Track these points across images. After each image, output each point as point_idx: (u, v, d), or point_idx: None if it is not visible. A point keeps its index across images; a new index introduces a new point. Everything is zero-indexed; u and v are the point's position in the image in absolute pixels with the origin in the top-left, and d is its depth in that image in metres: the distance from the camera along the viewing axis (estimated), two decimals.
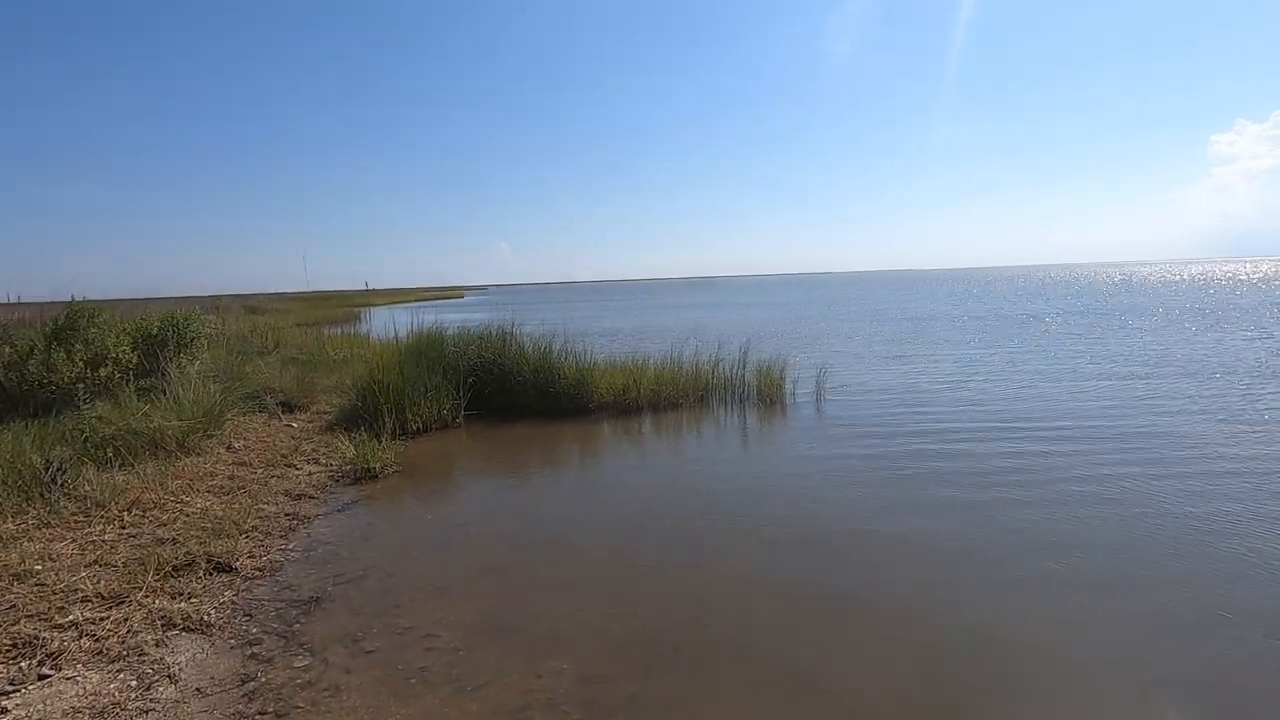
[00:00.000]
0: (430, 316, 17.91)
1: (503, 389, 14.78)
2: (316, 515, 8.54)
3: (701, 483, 9.47)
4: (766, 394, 15.97)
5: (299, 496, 9.17)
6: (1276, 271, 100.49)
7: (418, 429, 13.10)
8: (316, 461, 10.84)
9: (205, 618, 5.82)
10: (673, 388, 15.53)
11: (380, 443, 10.96)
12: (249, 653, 5.38)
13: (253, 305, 48.68)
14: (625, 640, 5.45)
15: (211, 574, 6.66)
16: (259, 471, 10.01)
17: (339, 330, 32.35)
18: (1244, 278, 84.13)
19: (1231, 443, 10.69)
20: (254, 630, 5.72)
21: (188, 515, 7.97)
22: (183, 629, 5.65)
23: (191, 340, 15.71)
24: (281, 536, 7.78)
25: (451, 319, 19.43)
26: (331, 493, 9.48)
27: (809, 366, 18.93)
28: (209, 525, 7.65)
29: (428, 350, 14.43)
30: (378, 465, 10.27)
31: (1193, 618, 5.57)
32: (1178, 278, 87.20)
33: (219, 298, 55.67)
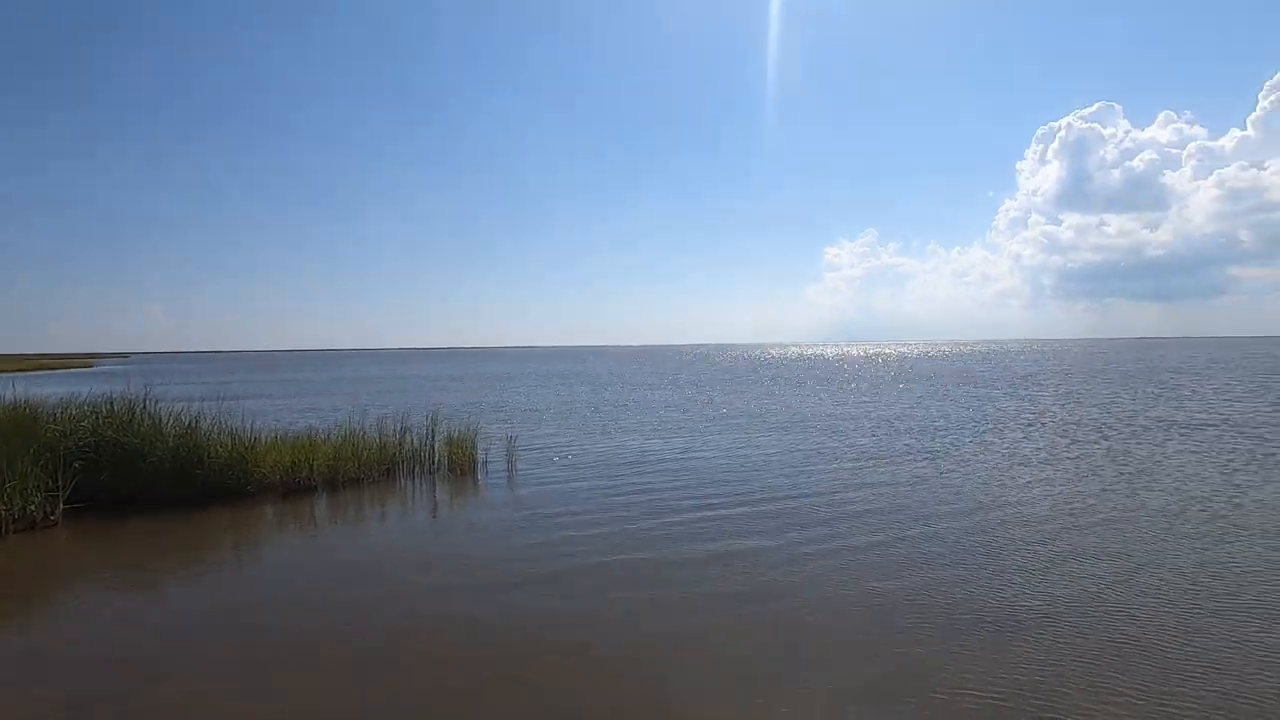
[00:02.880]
0: (43, 388, 14.18)
1: (130, 474, 12.20)
2: None
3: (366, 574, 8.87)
4: (457, 465, 15.80)
5: None
6: (867, 351, 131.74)
7: None
8: None
9: None
10: (353, 462, 14.45)
11: None
12: None
13: None
14: None
15: None
16: None
17: None
18: (851, 354, 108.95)
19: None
20: None
21: None
22: None
23: None
24: None
25: (63, 391, 15.59)
26: None
27: (498, 438, 19.20)
28: None
29: (7, 428, 11.32)
30: None
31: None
32: (816, 355, 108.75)
33: None
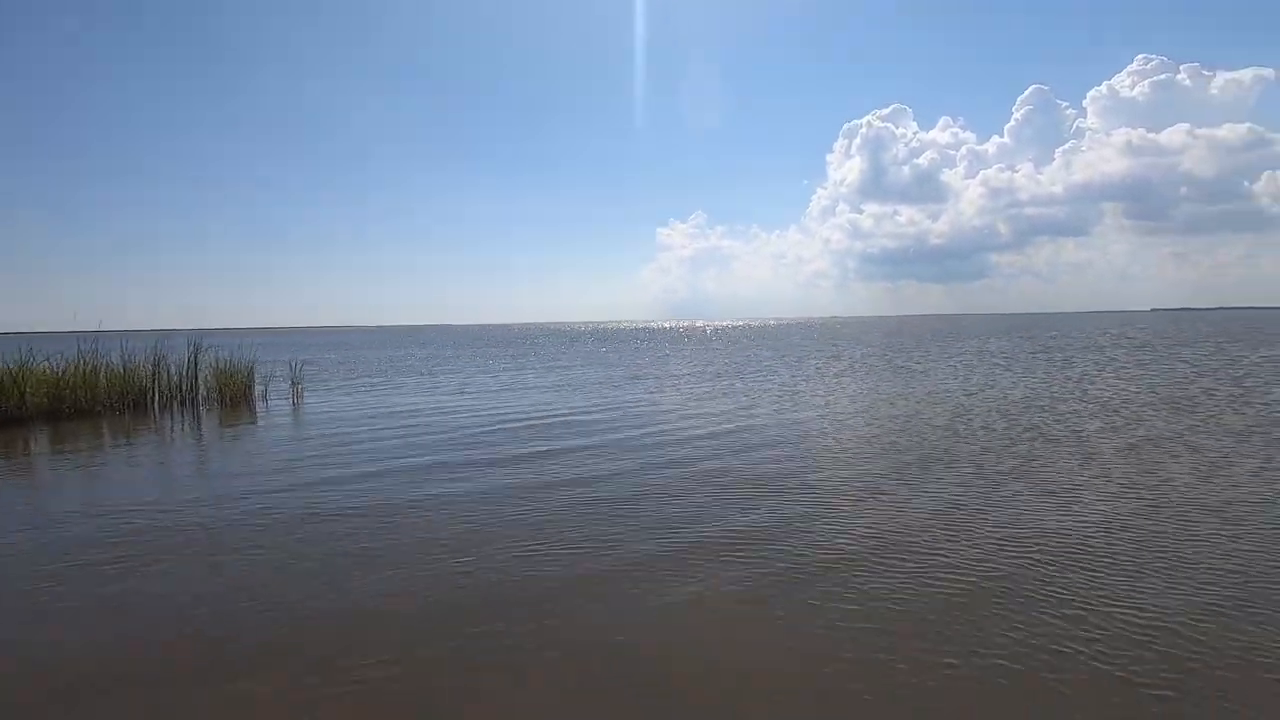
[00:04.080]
0: None
1: None
2: None
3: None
4: (230, 395, 14.09)
5: None
6: (693, 326, 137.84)
7: None
8: None
9: None
10: (85, 391, 12.30)
11: None
12: None
13: None
14: None
15: None
16: None
17: None
18: (679, 329, 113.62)
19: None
20: None
21: None
22: None
23: None
24: None
25: None
26: None
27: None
28: None
29: None
30: None
31: None
32: (653, 329, 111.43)
33: None
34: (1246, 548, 4.62)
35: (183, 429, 11.03)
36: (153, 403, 13.52)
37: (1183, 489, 6.12)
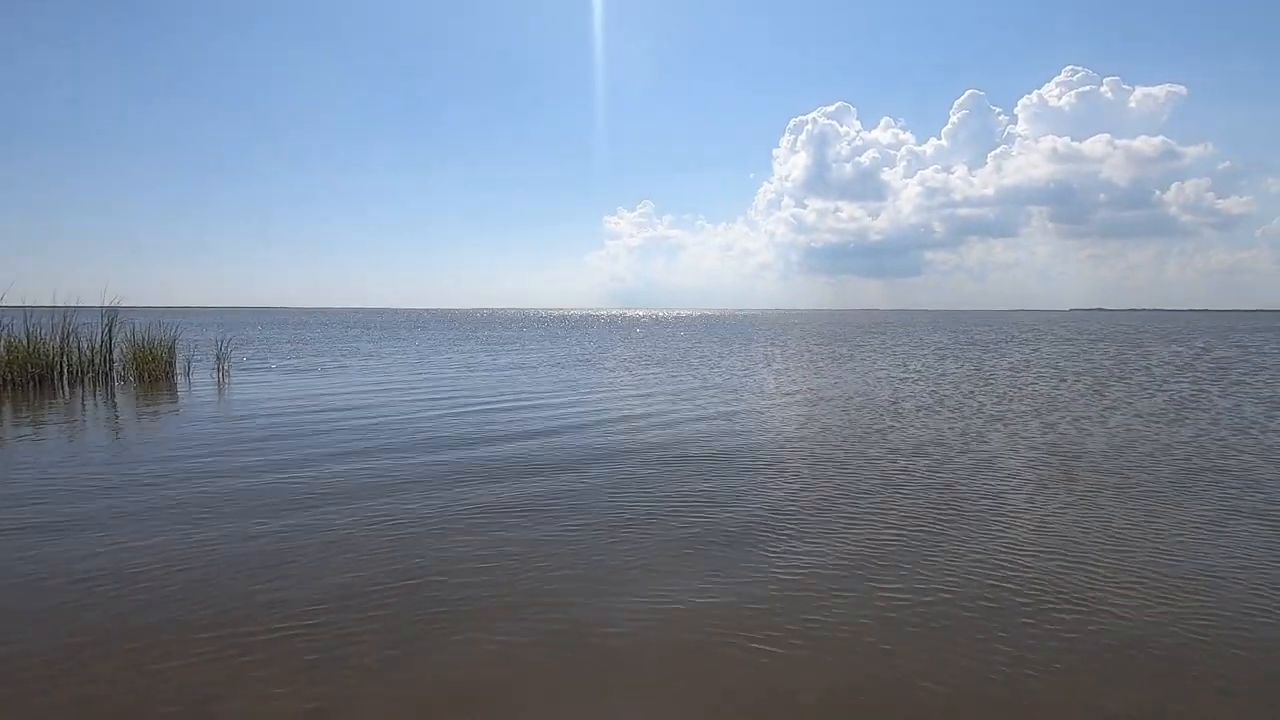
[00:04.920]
0: None
1: None
2: None
3: None
4: (149, 372, 13.21)
5: None
6: (644, 315, 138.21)
7: None
8: None
9: None
10: None
11: None
12: None
13: None
14: None
15: None
16: None
17: None
18: (625, 318, 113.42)
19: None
20: None
21: None
22: None
23: None
24: None
25: None
26: None
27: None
28: None
29: None
30: None
31: None
32: (598, 317, 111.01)
33: None
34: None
35: (94, 406, 10.28)
36: (60, 379, 12.56)
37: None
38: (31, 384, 11.99)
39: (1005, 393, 11.81)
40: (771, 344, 27.26)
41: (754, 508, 5.14)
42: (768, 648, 3.06)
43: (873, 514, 4.97)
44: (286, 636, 3.10)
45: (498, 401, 10.63)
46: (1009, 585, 3.72)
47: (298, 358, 18.93)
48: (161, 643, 3.05)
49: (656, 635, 3.19)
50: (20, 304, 12.43)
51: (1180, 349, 24.09)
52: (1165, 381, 13.55)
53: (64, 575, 3.79)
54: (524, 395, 11.41)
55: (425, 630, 3.19)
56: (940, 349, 23.86)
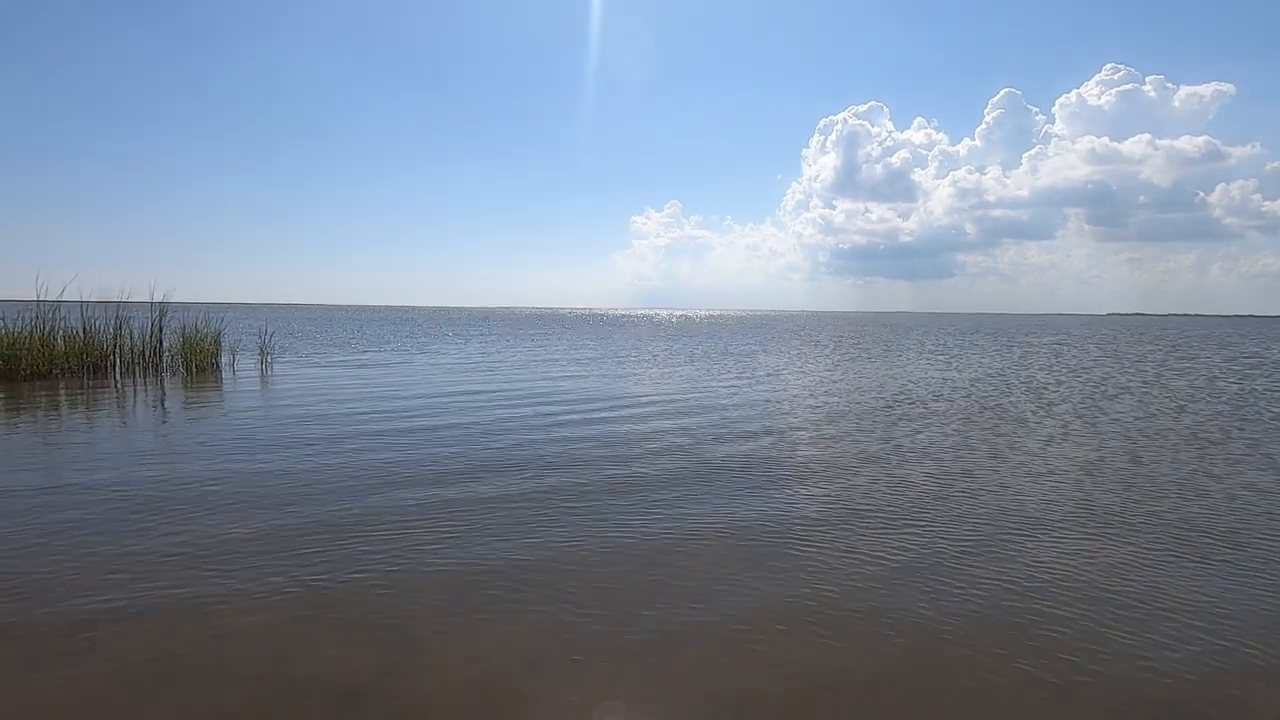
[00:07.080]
0: None
1: None
2: None
3: None
4: (196, 363, 13.53)
5: None
6: (669, 315, 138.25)
7: None
8: None
9: None
10: (42, 354, 11.69)
11: None
12: None
13: None
14: None
15: None
16: None
17: None
18: (656, 317, 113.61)
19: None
20: None
21: None
22: None
23: None
24: None
25: None
26: None
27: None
28: None
29: None
30: None
31: None
32: (625, 317, 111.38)
33: None
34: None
35: (145, 394, 10.54)
36: (114, 369, 12.93)
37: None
38: (86, 373, 12.38)
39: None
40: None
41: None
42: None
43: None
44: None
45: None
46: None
47: (333, 348, 19.24)
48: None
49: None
50: (78, 299, 12.80)
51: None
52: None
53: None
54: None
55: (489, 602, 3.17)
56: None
